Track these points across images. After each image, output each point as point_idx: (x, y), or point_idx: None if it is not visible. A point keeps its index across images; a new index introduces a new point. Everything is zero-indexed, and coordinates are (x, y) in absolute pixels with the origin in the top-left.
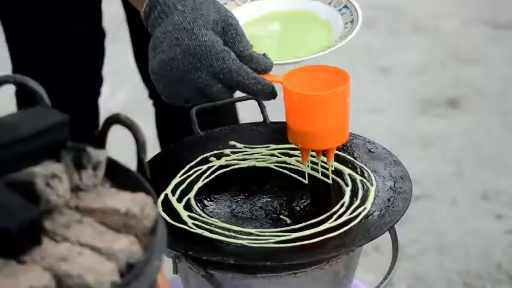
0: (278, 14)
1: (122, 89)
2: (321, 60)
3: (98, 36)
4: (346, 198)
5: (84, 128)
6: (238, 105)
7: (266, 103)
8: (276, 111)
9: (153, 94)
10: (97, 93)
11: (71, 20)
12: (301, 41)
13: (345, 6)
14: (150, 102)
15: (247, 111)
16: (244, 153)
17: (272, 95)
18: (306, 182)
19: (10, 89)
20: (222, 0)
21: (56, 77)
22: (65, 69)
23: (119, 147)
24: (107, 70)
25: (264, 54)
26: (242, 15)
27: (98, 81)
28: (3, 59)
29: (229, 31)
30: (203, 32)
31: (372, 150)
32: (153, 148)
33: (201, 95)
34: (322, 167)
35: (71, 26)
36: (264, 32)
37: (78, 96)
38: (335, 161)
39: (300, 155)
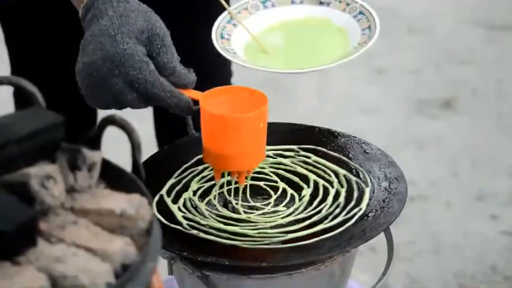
0: (291, 22)
1: None
2: None
3: None
4: (341, 199)
5: (83, 129)
6: None
7: None
8: (271, 112)
9: None
10: None
11: (70, 22)
12: (316, 49)
13: (361, 13)
14: None
15: None
16: None
17: (188, 110)
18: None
19: (6, 90)
20: (235, 9)
21: (55, 78)
22: (64, 70)
23: (114, 148)
24: None
25: (189, 70)
26: (256, 23)
27: None
28: (3, 60)
29: (154, 41)
30: (125, 40)
31: (367, 151)
32: (148, 149)
33: (118, 103)
34: (321, 169)
35: (70, 28)
36: (278, 40)
37: (76, 97)
38: (330, 162)
39: (294, 156)
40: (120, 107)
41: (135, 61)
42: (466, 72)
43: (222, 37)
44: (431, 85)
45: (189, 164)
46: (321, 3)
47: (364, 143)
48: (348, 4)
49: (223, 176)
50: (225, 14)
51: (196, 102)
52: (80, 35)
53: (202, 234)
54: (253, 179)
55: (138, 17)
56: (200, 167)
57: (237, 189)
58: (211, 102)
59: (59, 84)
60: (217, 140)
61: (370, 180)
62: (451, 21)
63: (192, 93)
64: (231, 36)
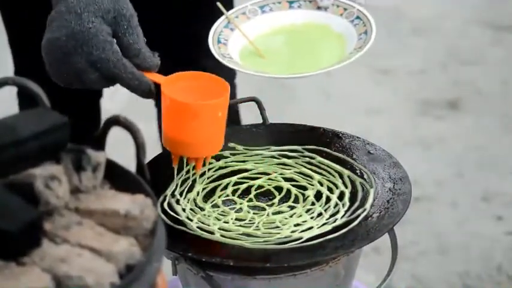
0: (289, 27)
1: (122, 89)
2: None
3: None
4: (346, 200)
5: (86, 129)
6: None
7: (265, 105)
8: (275, 113)
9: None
10: (99, 95)
11: None
12: (313, 54)
13: (357, 17)
14: (151, 103)
15: (247, 113)
16: (244, 155)
17: (149, 93)
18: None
19: (11, 91)
20: (233, 13)
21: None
22: None
23: (119, 148)
24: None
25: (154, 53)
26: (253, 28)
27: None
28: (3, 61)
29: (121, 22)
30: (91, 19)
31: (371, 152)
32: (153, 149)
33: (80, 81)
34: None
35: None
36: (275, 45)
37: (80, 97)
38: (334, 162)
39: (297, 157)
40: (83, 85)
41: (99, 40)
42: (472, 73)
43: (219, 42)
44: (437, 86)
45: (193, 164)
46: (319, 8)
47: (368, 143)
48: (345, 9)
49: (181, 160)
50: (222, 18)
51: (159, 86)
52: None
53: (206, 235)
54: (257, 179)
55: None
56: (205, 168)
57: (242, 190)
58: (173, 87)
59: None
60: (175, 126)
61: (375, 181)
62: (456, 22)
63: (155, 77)
64: (228, 41)
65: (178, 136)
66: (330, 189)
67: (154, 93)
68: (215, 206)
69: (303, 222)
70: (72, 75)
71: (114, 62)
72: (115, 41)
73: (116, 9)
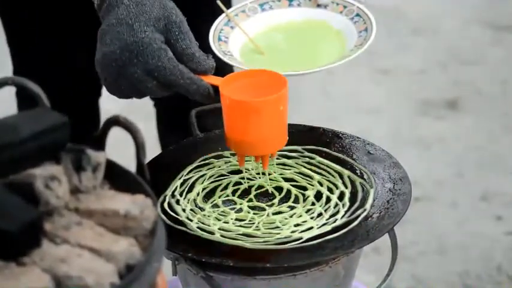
0: (289, 24)
1: None
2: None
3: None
4: (346, 200)
5: (85, 129)
6: None
7: None
8: None
9: None
10: (98, 94)
11: (73, 21)
12: (313, 52)
13: (357, 15)
14: (150, 103)
15: None
16: None
17: (208, 97)
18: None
19: (10, 91)
20: (233, 11)
21: (57, 78)
22: (66, 70)
23: (119, 148)
24: None
25: (208, 56)
26: (253, 26)
27: (99, 81)
28: (3, 61)
29: (172, 28)
30: (143, 29)
31: (371, 152)
32: (153, 149)
33: (137, 91)
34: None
35: (73, 27)
36: (275, 43)
37: (79, 97)
38: (334, 162)
39: (297, 157)
40: (141, 95)
41: (154, 49)
42: (471, 73)
43: (220, 39)
44: (437, 85)
45: (193, 165)
46: (319, 5)
47: (368, 144)
48: (345, 7)
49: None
50: (223, 16)
51: (216, 88)
52: (85, 36)
53: (206, 235)
54: (257, 179)
55: (154, 4)
56: (204, 168)
57: (242, 190)
58: (231, 87)
59: (61, 83)
60: (238, 126)
61: (375, 181)
62: (456, 22)
63: (212, 79)
64: (228, 38)
65: (241, 136)
66: (330, 190)
67: (213, 96)
68: (215, 206)
69: (303, 222)
70: (129, 87)
71: (171, 69)
72: (168, 48)
73: (166, 16)
